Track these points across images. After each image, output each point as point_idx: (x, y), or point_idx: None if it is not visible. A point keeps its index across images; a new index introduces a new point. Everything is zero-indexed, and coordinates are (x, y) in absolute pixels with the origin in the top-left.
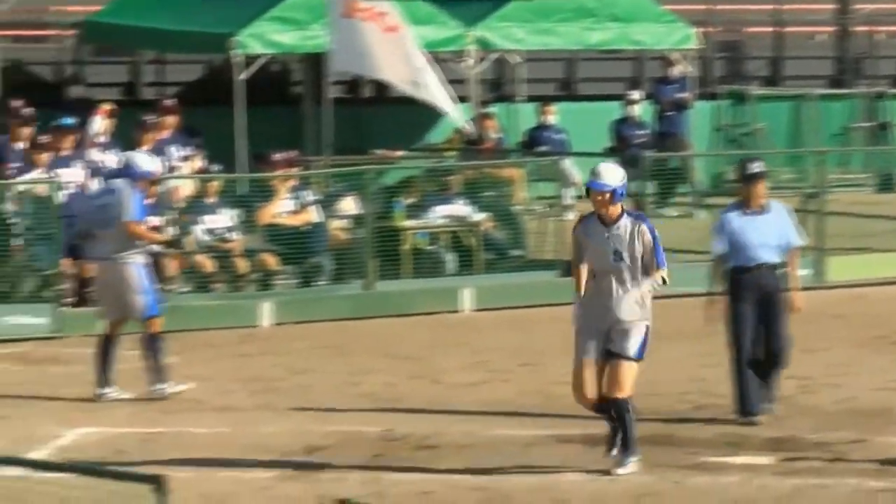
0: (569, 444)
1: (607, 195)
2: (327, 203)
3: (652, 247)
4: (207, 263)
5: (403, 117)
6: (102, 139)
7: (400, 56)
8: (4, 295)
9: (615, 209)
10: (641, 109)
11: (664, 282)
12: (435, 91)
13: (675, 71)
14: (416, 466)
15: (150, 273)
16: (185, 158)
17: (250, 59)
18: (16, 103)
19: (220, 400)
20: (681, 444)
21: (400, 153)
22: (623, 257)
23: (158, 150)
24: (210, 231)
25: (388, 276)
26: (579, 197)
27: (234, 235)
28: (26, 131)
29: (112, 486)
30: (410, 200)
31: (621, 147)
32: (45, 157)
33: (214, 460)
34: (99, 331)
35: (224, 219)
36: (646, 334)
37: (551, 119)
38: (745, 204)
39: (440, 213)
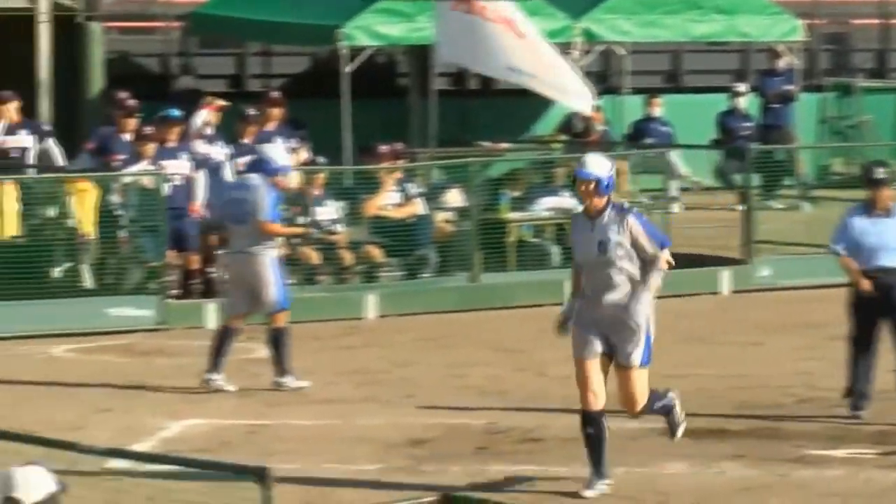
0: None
1: (592, 184)
2: (432, 195)
3: (644, 234)
4: (313, 255)
5: (509, 109)
6: (208, 131)
7: (508, 47)
8: (110, 287)
9: (600, 201)
10: (747, 102)
11: (669, 265)
12: (553, 81)
13: (781, 63)
14: (520, 459)
15: (281, 267)
16: (291, 150)
17: (356, 52)
18: (121, 94)
19: (324, 392)
20: (785, 437)
21: (505, 145)
22: (608, 249)
23: (263, 142)
24: (315, 223)
25: (492, 268)
26: (685, 189)
27: (340, 227)
28: (132, 123)
29: (217, 477)
30: (516, 193)
31: (727, 139)
32: (150, 148)
33: (318, 452)
34: (210, 323)
35: (329, 211)
36: (647, 334)
37: (657, 111)
38: (870, 206)
39: (545, 206)
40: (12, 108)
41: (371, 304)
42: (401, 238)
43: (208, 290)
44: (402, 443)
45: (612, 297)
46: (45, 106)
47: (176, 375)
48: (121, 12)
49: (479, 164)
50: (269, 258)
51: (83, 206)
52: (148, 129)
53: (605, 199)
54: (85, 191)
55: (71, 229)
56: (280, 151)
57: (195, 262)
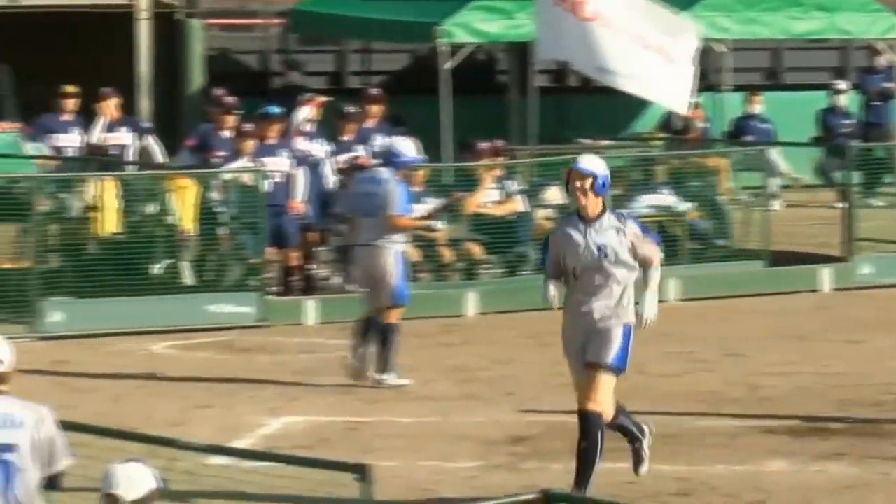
0: (772, 435)
1: (588, 181)
2: (532, 192)
3: (643, 240)
4: (413, 253)
5: (609, 106)
6: (308, 128)
7: (603, 45)
8: (210, 283)
9: (595, 201)
10: (848, 99)
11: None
12: (652, 81)
13: (882, 61)
14: (619, 456)
15: (404, 262)
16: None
17: (456, 49)
18: (217, 92)
19: (424, 389)
20: (886, 435)
21: (605, 142)
22: (607, 253)
23: (363, 139)
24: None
25: None
26: (785, 187)
27: (439, 225)
28: (231, 119)
29: (317, 474)
30: (616, 190)
31: (827, 137)
32: (250, 145)
33: (418, 450)
34: (310, 320)
35: (428, 208)
36: (626, 338)
37: (757, 108)
38: None
39: (646, 203)
40: (112, 105)
41: (471, 302)
42: (501, 235)
43: (308, 287)
44: (501, 440)
45: (601, 302)
46: (144, 103)
47: (275, 372)
48: (220, 9)
49: None
50: (395, 252)
51: (183, 202)
52: (248, 126)
53: (599, 201)
54: (185, 187)
55: (171, 226)
56: (409, 145)
57: (295, 258)
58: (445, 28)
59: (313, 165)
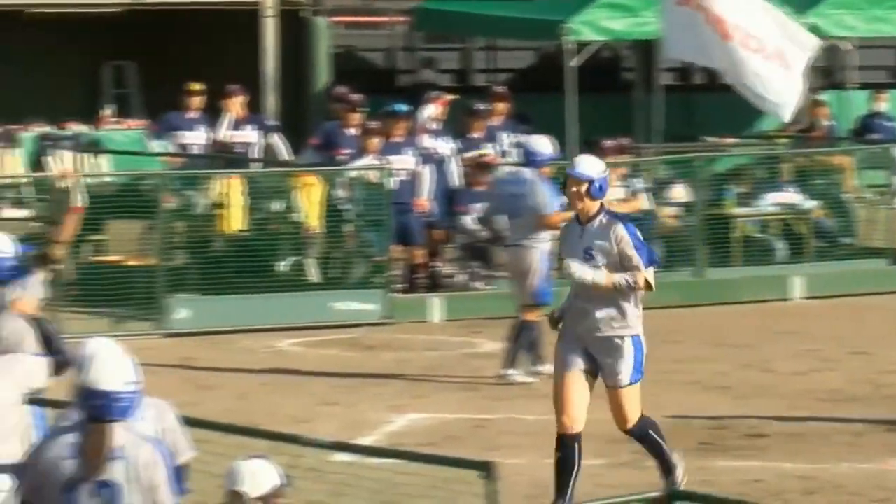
0: None
1: (584, 185)
2: (657, 190)
3: (630, 246)
4: None
5: (735, 104)
6: (434, 126)
7: (718, 48)
8: (336, 281)
9: (592, 205)
10: None
11: (649, 287)
12: (753, 86)
13: None
14: (744, 455)
15: (549, 261)
16: (516, 145)
17: (581, 46)
18: (340, 90)
19: (549, 387)
20: None
21: (731, 140)
22: (593, 255)
23: (490, 137)
24: None
25: (717, 263)
26: None
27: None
28: (356, 117)
29: (441, 472)
30: (741, 188)
31: None
32: (376, 142)
33: (543, 447)
34: (435, 317)
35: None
36: (636, 349)
37: (883, 106)
38: None
39: (771, 201)
40: (238, 103)
41: None
42: None
43: (433, 285)
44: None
45: (599, 308)
46: (270, 101)
47: (400, 369)
48: (346, 7)
49: (705, 160)
50: (541, 251)
51: (309, 200)
52: (373, 124)
53: (596, 204)
54: (311, 185)
55: (296, 223)
56: (545, 142)
57: (420, 256)
58: (571, 26)
59: (439, 163)
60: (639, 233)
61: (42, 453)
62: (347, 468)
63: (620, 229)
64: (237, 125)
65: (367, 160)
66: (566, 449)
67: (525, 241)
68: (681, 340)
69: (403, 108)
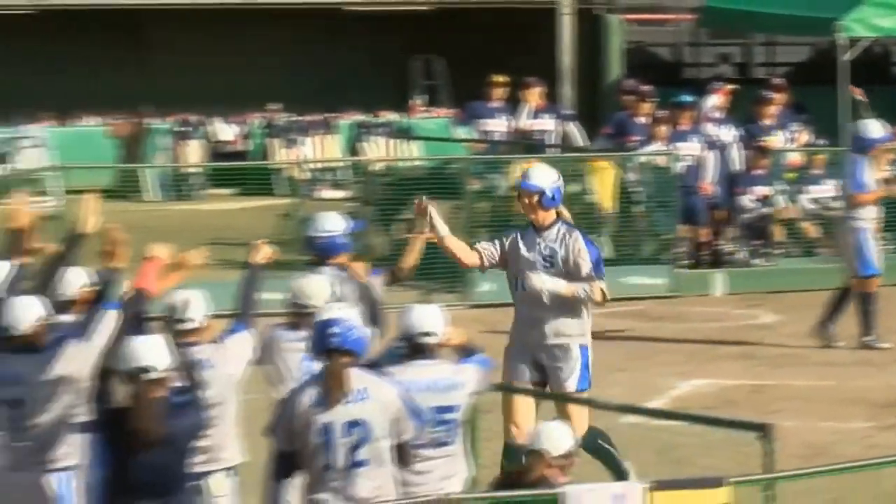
0: None
1: (535, 197)
2: None
3: (585, 255)
4: (812, 230)
5: None
6: (717, 115)
7: None
8: (627, 256)
9: (546, 215)
10: None
11: (604, 297)
12: None
13: None
14: None
15: (872, 237)
16: (793, 133)
17: (854, 42)
18: (627, 82)
19: (821, 356)
20: None
21: None
22: (553, 263)
23: (780, 125)
24: (815, 200)
25: None
26: None
27: (837, 205)
28: (646, 107)
29: (720, 433)
30: None
31: None
32: (663, 130)
33: (816, 411)
34: (717, 291)
35: (828, 189)
36: (584, 357)
37: None
38: None
39: None
40: (536, 94)
41: None
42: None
43: (715, 261)
44: (894, 403)
45: (549, 316)
46: (567, 92)
47: (685, 339)
48: (637, 5)
49: None
50: (859, 227)
51: (603, 183)
52: (662, 113)
53: (551, 213)
54: (604, 169)
55: (590, 204)
56: (877, 126)
57: (704, 235)
58: (844, 23)
59: (721, 149)
60: (595, 244)
61: (292, 405)
62: (632, 429)
63: (580, 240)
64: (536, 114)
65: (656, 146)
66: (511, 458)
67: (847, 219)
68: None
69: (689, 98)
